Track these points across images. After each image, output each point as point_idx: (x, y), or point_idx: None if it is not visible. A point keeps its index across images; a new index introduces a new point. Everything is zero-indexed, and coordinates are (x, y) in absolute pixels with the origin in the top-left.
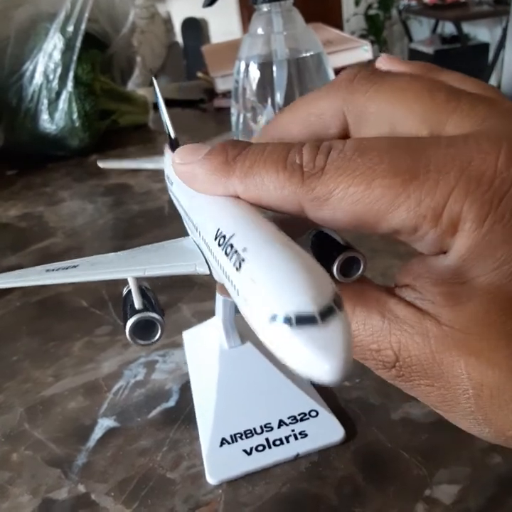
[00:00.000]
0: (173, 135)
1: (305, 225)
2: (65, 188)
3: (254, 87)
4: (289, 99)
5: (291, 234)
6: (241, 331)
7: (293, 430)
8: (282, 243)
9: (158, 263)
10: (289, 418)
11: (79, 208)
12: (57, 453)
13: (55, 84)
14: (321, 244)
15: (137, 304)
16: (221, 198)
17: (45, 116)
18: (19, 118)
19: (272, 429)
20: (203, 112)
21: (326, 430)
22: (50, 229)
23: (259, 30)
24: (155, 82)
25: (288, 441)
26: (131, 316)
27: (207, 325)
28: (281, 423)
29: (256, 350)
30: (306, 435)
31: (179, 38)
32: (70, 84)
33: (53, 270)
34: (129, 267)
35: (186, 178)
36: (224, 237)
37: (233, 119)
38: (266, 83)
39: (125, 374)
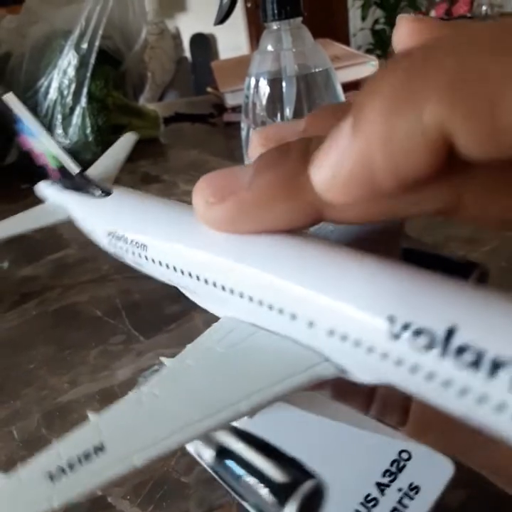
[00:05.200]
0: (73, 170)
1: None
2: None
3: (264, 102)
4: (298, 114)
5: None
6: None
7: (400, 489)
8: None
9: (258, 383)
10: (385, 476)
11: None
12: None
13: (69, 99)
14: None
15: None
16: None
17: (59, 130)
18: None
19: (376, 501)
20: (213, 127)
21: (432, 469)
22: (64, 241)
23: (269, 47)
24: (9, 97)
25: (406, 507)
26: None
27: None
28: (382, 487)
29: (287, 404)
30: (417, 488)
31: (187, 54)
32: (83, 100)
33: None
34: (217, 409)
35: (228, 217)
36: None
37: (243, 133)
38: (275, 99)
39: (139, 381)
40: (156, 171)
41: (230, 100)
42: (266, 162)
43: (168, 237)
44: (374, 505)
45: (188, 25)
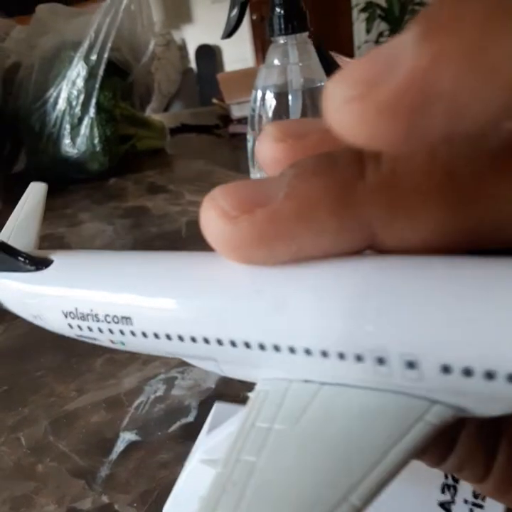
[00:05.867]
0: None
1: None
2: (85, 210)
3: (270, 115)
4: None
5: None
6: None
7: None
8: None
9: (365, 459)
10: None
11: (98, 230)
12: (81, 465)
13: (77, 110)
14: None
15: None
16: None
17: (67, 140)
18: (42, 142)
19: None
20: (218, 138)
21: None
22: (69, 248)
23: (276, 61)
24: None
25: None
26: None
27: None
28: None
29: None
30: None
31: (193, 65)
32: (92, 111)
33: None
34: None
35: (257, 235)
36: None
37: (249, 145)
38: (281, 112)
39: (145, 390)
40: (162, 181)
41: (236, 112)
42: (308, 169)
43: (165, 298)
44: None
45: (194, 36)
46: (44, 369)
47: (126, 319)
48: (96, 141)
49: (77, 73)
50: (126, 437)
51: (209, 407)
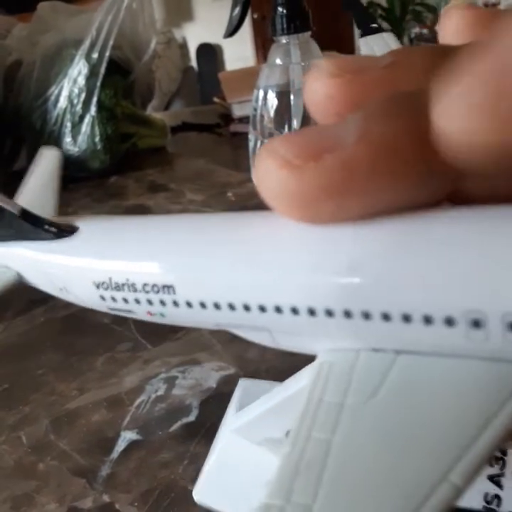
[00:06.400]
0: (14, 210)
1: None
2: (86, 208)
3: (272, 114)
4: (305, 126)
5: None
6: None
7: None
8: None
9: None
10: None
11: None
12: (82, 464)
13: (78, 108)
14: None
15: None
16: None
17: (68, 138)
18: (43, 140)
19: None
20: (219, 137)
21: None
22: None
23: (278, 61)
24: None
25: None
26: None
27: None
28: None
29: None
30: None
31: (194, 63)
32: (93, 109)
33: None
34: None
35: (327, 185)
36: None
37: (251, 144)
38: (283, 111)
39: (146, 389)
40: (163, 179)
41: (237, 111)
42: (380, 110)
43: (215, 262)
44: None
45: (194, 35)
46: (45, 367)
47: (168, 288)
48: (97, 139)
49: (78, 71)
50: (127, 436)
51: (210, 407)
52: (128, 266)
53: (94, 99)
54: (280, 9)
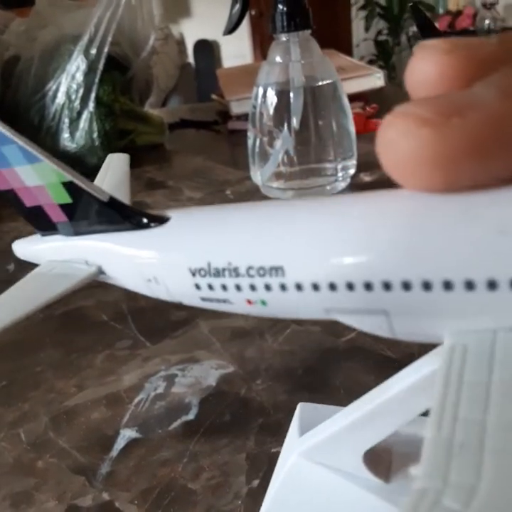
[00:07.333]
0: (101, 197)
1: None
2: None
3: (271, 112)
4: (304, 124)
5: None
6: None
7: None
8: None
9: None
10: None
11: None
12: (81, 461)
13: (76, 104)
14: None
15: None
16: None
17: (65, 134)
18: (40, 136)
19: None
20: (217, 134)
21: None
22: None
23: (278, 59)
24: None
25: None
26: None
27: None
28: None
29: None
30: None
31: (191, 60)
32: (91, 105)
33: None
34: None
35: (473, 142)
36: None
37: (250, 142)
38: (282, 109)
39: (146, 387)
40: (161, 176)
41: (235, 108)
42: None
43: (333, 237)
44: None
45: (192, 31)
46: (43, 364)
47: (276, 270)
48: (95, 135)
49: (76, 67)
50: (127, 434)
51: (209, 405)
52: (230, 248)
53: (92, 95)
54: (280, 6)
